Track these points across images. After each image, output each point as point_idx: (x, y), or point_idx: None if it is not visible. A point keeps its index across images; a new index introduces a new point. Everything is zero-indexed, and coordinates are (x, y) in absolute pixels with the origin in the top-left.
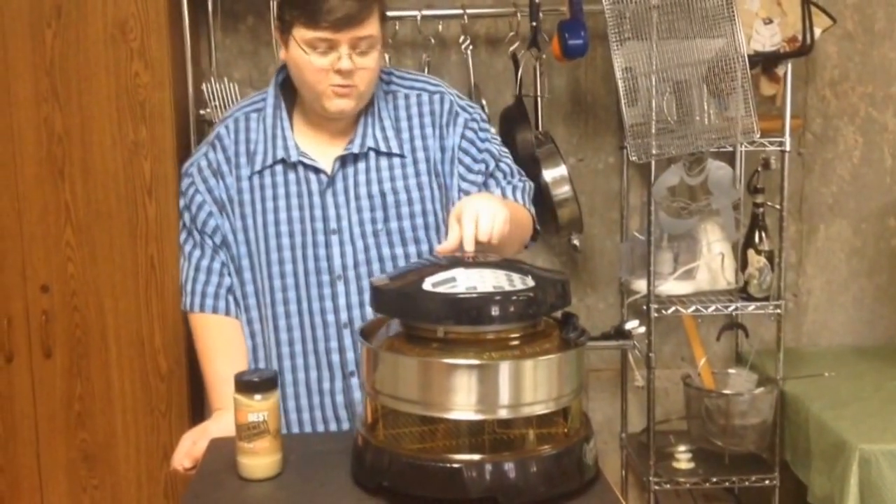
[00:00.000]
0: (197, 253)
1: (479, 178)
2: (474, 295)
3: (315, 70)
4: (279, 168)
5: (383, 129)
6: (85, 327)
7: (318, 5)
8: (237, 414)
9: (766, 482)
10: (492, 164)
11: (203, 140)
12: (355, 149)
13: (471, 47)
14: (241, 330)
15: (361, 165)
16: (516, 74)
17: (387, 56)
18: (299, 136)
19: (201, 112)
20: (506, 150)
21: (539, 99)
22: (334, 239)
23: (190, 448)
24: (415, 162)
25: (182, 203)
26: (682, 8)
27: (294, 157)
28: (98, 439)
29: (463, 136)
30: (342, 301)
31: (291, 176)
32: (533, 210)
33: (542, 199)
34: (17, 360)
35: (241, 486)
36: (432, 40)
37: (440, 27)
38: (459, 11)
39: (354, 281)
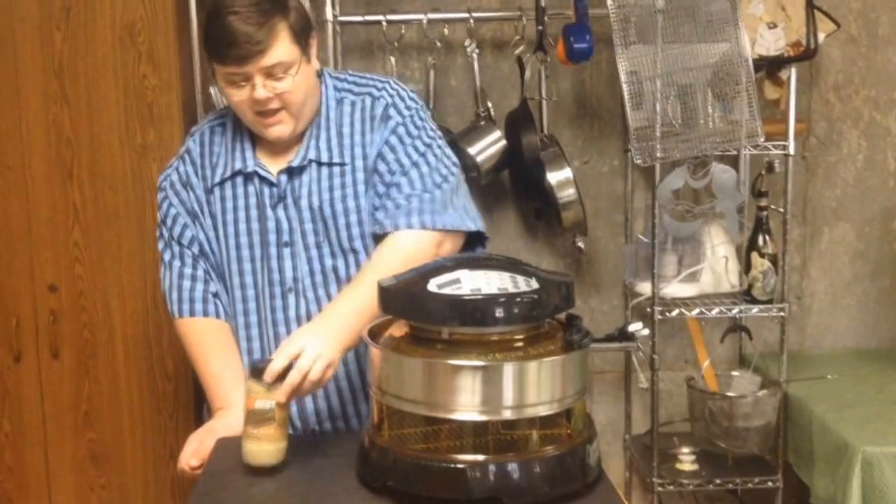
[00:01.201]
0: (177, 263)
1: (382, 189)
2: (479, 296)
3: (236, 103)
4: (239, 180)
5: (328, 138)
6: (92, 327)
7: (219, 40)
8: (247, 399)
9: (769, 484)
10: (398, 175)
11: (176, 154)
12: (296, 162)
13: (477, 51)
14: (231, 331)
15: (305, 178)
16: (522, 78)
17: (392, 59)
18: (261, 149)
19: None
20: (439, 150)
21: (544, 102)
22: (286, 252)
23: (197, 447)
24: (353, 170)
25: (158, 217)
26: (687, 12)
27: (250, 167)
28: (105, 439)
29: (386, 142)
30: (292, 313)
31: (250, 188)
32: (445, 223)
33: (547, 200)
34: (24, 360)
35: (247, 485)
36: (438, 43)
37: (446, 30)
38: (465, 15)
39: (303, 293)
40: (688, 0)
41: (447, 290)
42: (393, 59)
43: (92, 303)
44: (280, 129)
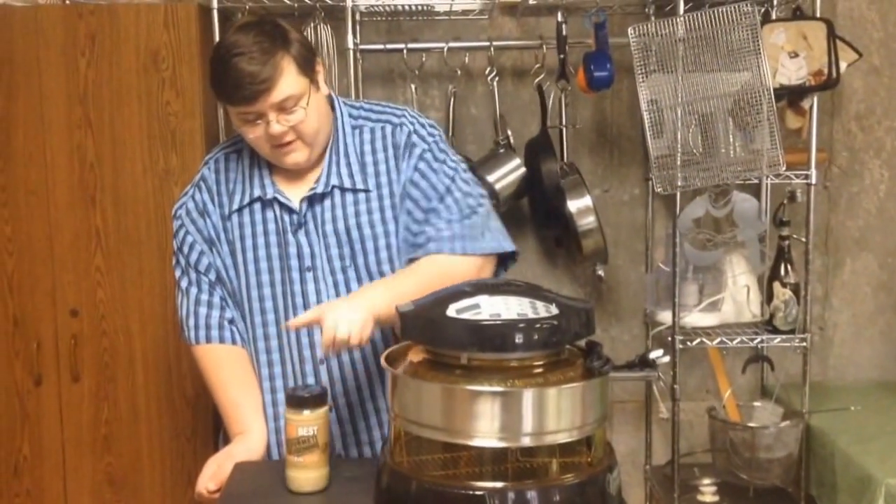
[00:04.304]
0: (194, 290)
1: (420, 216)
2: (498, 322)
3: (252, 140)
4: (257, 206)
5: (348, 164)
6: (113, 351)
7: (227, 82)
8: (287, 428)
9: None
10: (434, 201)
11: (191, 182)
12: (319, 188)
13: (497, 79)
14: (248, 358)
15: (327, 203)
16: (542, 106)
17: (413, 87)
18: (277, 175)
19: None
20: (465, 174)
21: (565, 130)
22: (309, 276)
23: (215, 471)
24: (380, 197)
25: (175, 244)
26: (708, 41)
27: (270, 195)
28: (124, 463)
29: (416, 169)
30: (318, 337)
31: (269, 214)
32: (485, 248)
33: (567, 228)
34: (45, 384)
35: None
36: (459, 72)
37: (466, 59)
38: (486, 44)
39: None
40: (709, 29)
41: (466, 316)
42: (413, 87)
43: (113, 327)
44: (296, 156)
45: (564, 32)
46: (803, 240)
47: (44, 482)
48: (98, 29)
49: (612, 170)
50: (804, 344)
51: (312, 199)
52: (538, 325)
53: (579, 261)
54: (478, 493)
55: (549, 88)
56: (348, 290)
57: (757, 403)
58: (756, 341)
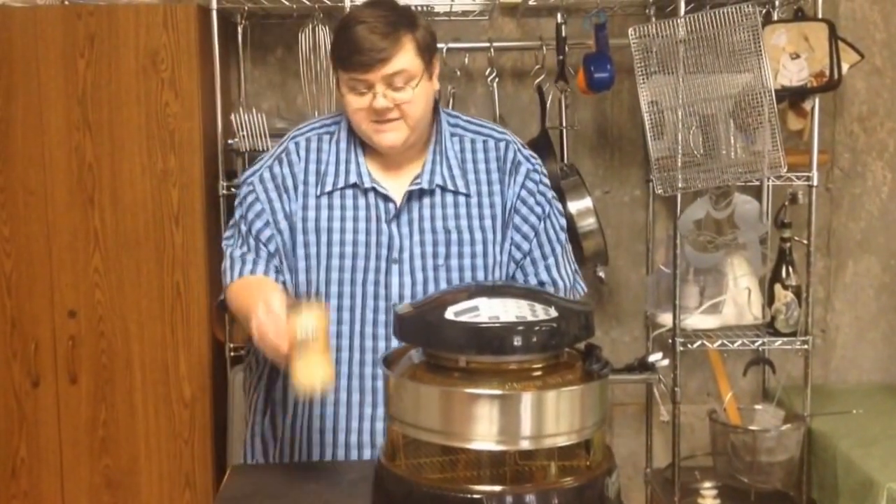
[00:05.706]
0: (252, 256)
1: (531, 233)
2: (497, 324)
3: (354, 110)
4: (349, 192)
5: (450, 167)
6: (111, 353)
7: (346, 47)
8: (289, 335)
9: None
10: (538, 229)
11: (268, 153)
12: (424, 184)
13: (497, 80)
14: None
15: (427, 200)
16: (542, 107)
17: None
18: (371, 164)
19: (229, 142)
20: (559, 204)
21: (565, 131)
22: (395, 268)
23: (275, 329)
24: (479, 205)
25: (239, 212)
26: (709, 43)
27: (367, 184)
28: (121, 465)
29: (523, 186)
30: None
31: (361, 201)
32: (571, 279)
33: (568, 230)
34: (43, 385)
35: None
36: (458, 72)
37: (467, 60)
38: (486, 45)
39: None
40: (710, 30)
41: (465, 318)
42: None
43: (111, 328)
44: (394, 136)
45: (564, 33)
46: (805, 242)
47: (41, 484)
48: (97, 30)
49: (613, 171)
50: (806, 346)
51: (413, 194)
52: (537, 328)
53: (580, 262)
54: (476, 496)
55: (549, 89)
56: (437, 287)
57: (758, 406)
58: (757, 344)
